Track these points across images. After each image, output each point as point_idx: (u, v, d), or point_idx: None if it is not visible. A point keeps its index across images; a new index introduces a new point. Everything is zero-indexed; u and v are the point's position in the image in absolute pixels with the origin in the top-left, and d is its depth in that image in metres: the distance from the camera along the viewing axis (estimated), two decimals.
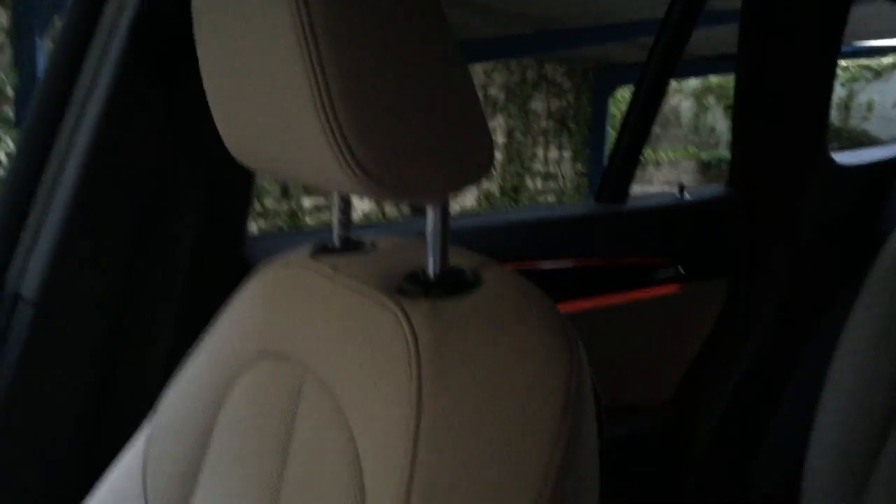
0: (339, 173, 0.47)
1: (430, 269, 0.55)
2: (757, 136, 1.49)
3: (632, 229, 1.40)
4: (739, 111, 1.52)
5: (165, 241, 0.97)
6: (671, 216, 1.44)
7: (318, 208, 5.56)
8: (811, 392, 1.26)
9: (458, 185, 0.50)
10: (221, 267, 1.01)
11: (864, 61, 7.73)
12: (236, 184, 1.01)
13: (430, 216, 0.54)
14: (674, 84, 8.46)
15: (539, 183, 7.51)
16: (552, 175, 7.61)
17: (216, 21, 0.53)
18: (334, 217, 0.66)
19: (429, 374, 0.49)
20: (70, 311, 0.90)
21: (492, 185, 7.07)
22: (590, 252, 1.32)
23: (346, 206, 0.67)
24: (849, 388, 1.17)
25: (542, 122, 7.39)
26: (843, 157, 1.55)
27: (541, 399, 0.47)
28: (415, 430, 0.47)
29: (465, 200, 6.69)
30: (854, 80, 7.87)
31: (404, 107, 0.47)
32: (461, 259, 0.57)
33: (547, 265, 1.27)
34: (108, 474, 0.69)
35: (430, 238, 0.54)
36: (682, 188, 1.46)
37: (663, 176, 8.31)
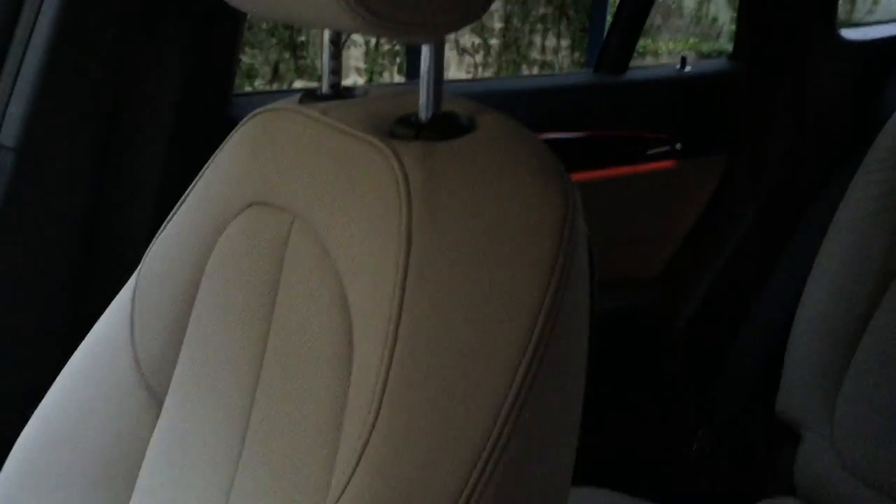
0: (336, 9, 0.45)
1: (423, 111, 0.53)
2: (764, 7, 1.44)
3: (630, 101, 1.37)
4: None
5: (149, 95, 0.94)
6: (671, 89, 1.41)
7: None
8: (799, 273, 1.27)
9: (455, 25, 0.49)
10: (207, 125, 0.98)
11: None
12: (222, 39, 0.98)
13: (425, 55, 0.52)
14: None
15: (536, 72, 7.36)
16: (549, 64, 7.46)
17: None
18: (324, 63, 0.64)
19: (419, 213, 0.48)
20: (52, 159, 0.88)
21: (488, 72, 6.93)
22: (586, 123, 1.30)
23: (337, 51, 0.64)
24: (837, 269, 1.18)
25: (541, 9, 7.19)
26: (851, 33, 1.50)
27: (533, 238, 0.46)
28: (403, 270, 0.47)
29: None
30: None
31: None
32: (455, 105, 0.56)
33: (544, 135, 1.25)
34: (95, 326, 0.69)
35: (423, 78, 0.53)
36: (683, 60, 1.42)
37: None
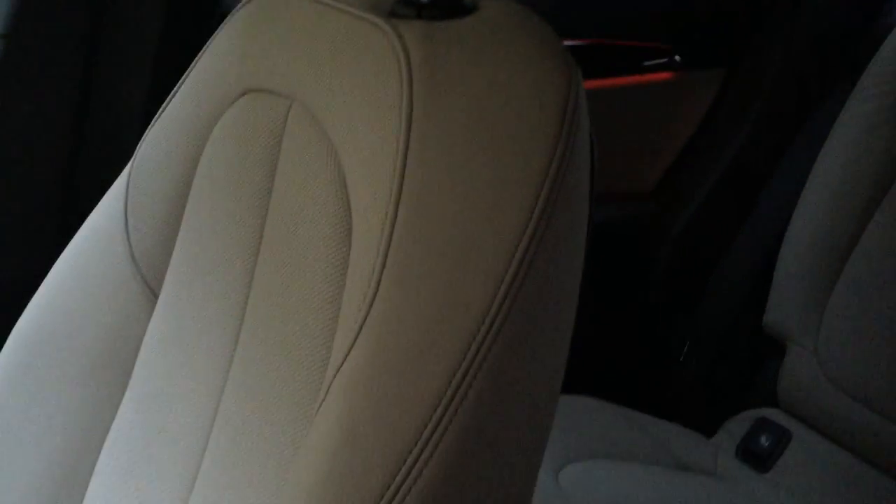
0: None
1: None
2: None
3: (628, 9, 1.34)
4: None
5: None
6: None
7: None
8: (792, 189, 1.27)
9: None
10: (197, 18, 0.95)
11: None
12: None
13: None
14: None
15: None
16: None
17: None
18: None
19: (420, 91, 0.47)
20: (42, 47, 0.85)
21: None
22: (584, 31, 1.28)
23: None
24: (830, 185, 1.18)
25: None
26: None
27: (536, 116, 0.45)
28: (404, 148, 0.46)
29: None
30: None
31: None
32: None
33: None
34: (89, 218, 0.68)
35: None
36: None
37: None
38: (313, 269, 0.50)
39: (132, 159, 0.66)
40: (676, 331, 1.42)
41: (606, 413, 1.20)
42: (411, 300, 0.43)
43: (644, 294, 1.44)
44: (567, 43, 1.23)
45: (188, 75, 0.64)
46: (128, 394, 0.63)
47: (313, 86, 0.53)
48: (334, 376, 0.44)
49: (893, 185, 1.14)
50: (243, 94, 0.59)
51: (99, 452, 0.64)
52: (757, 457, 1.16)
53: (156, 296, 0.64)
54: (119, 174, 0.67)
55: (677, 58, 1.35)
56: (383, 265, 0.44)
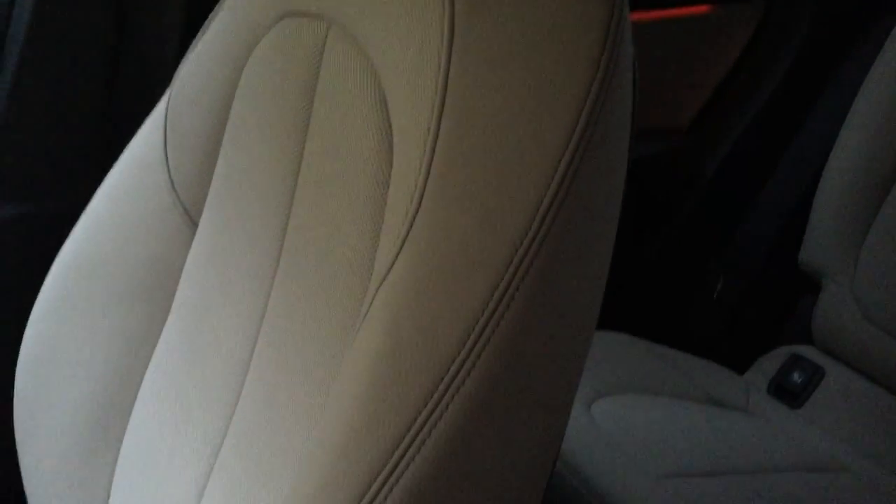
0: None
1: None
2: None
3: None
4: None
5: None
6: None
7: None
8: (830, 126, 1.24)
9: None
10: None
11: None
12: None
13: None
14: None
15: None
16: None
17: None
18: None
19: (462, 6, 0.46)
20: None
21: None
22: None
23: None
24: (870, 121, 1.15)
25: None
26: None
27: (579, 30, 0.44)
28: (446, 64, 0.45)
29: None
30: None
31: None
32: None
33: None
34: (128, 148, 0.68)
35: None
36: None
37: None
38: (355, 186, 0.50)
39: (170, 88, 0.66)
40: (710, 267, 1.41)
41: (639, 348, 1.20)
42: (454, 213, 0.43)
43: (678, 230, 1.43)
44: None
45: (224, 2, 0.64)
46: (171, 318, 0.65)
47: (352, 6, 0.53)
48: (378, 288, 0.44)
49: None
50: (280, 18, 0.58)
51: (143, 375, 0.65)
52: (789, 393, 1.17)
53: (195, 223, 0.64)
54: (157, 103, 0.67)
55: None
56: (426, 179, 0.44)
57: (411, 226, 0.44)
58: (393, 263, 0.44)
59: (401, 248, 0.44)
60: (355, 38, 0.52)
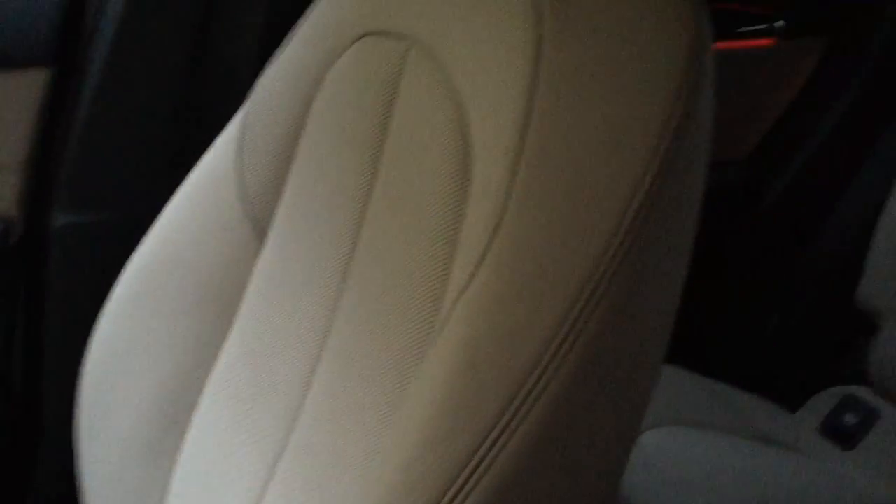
0: None
1: None
2: None
3: None
4: None
5: None
6: None
7: None
8: (892, 163, 1.22)
9: None
10: None
11: None
12: None
13: None
14: None
15: None
16: None
17: None
18: None
19: (550, 27, 0.46)
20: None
21: None
22: None
23: None
24: None
25: None
26: None
27: (663, 56, 0.45)
28: (531, 85, 0.45)
29: None
30: None
31: None
32: None
33: None
34: (203, 158, 0.69)
35: None
36: None
37: None
38: (431, 203, 0.51)
39: (247, 101, 0.67)
40: (766, 303, 1.39)
41: (690, 382, 1.19)
42: (535, 232, 0.43)
43: (736, 263, 1.41)
44: None
45: (302, 23, 0.65)
46: (235, 328, 0.66)
47: (434, 25, 0.53)
48: (455, 302, 0.44)
49: None
50: (360, 37, 0.59)
51: (205, 383, 0.66)
52: (842, 434, 1.14)
53: (265, 233, 0.65)
54: (234, 116, 0.69)
55: (780, 23, 1.31)
56: (507, 198, 0.44)
57: (491, 242, 0.44)
58: (472, 278, 0.44)
59: (480, 263, 0.44)
60: (437, 58, 0.52)
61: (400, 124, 0.55)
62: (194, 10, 0.90)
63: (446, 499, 0.41)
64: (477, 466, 0.41)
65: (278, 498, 0.57)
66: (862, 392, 1.17)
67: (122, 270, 0.70)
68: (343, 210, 0.58)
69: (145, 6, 0.86)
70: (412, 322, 0.50)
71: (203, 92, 0.94)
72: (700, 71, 0.45)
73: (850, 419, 1.14)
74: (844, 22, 1.37)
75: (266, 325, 0.62)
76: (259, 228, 0.66)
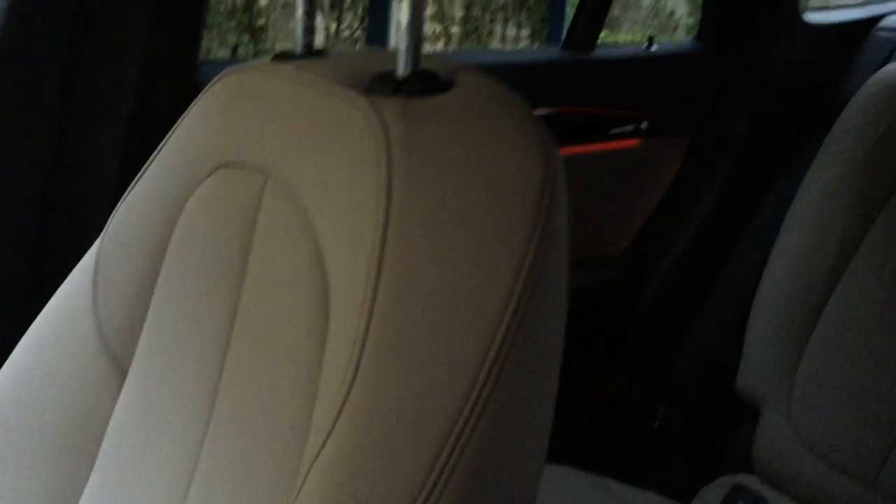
0: None
1: (401, 67, 0.51)
2: None
3: (597, 78, 1.37)
4: None
5: (112, 60, 0.90)
6: (638, 67, 1.41)
7: None
8: (761, 252, 1.28)
9: None
10: (171, 95, 0.94)
11: None
12: (188, 4, 0.95)
13: (405, 7, 0.50)
14: None
15: None
16: None
17: None
18: (298, 22, 0.62)
19: (400, 170, 0.46)
20: (13, 119, 0.84)
21: None
22: (554, 100, 1.30)
23: (312, 8, 0.63)
24: (798, 248, 1.19)
25: None
26: (816, 16, 1.53)
27: (515, 192, 0.45)
28: (383, 228, 0.45)
29: None
30: None
31: None
32: (433, 65, 0.54)
33: None
34: (57, 292, 0.66)
35: (402, 33, 0.51)
36: (650, 40, 1.43)
37: None
38: (290, 345, 0.49)
39: (103, 233, 0.65)
40: (651, 396, 1.41)
41: (582, 482, 1.18)
42: (393, 380, 0.42)
43: (618, 359, 1.44)
44: (537, 112, 1.27)
45: (162, 148, 0.64)
46: (94, 475, 0.61)
47: (290, 161, 0.52)
48: (314, 458, 0.42)
49: (857, 251, 1.16)
50: (218, 167, 0.58)
51: None
52: None
53: (124, 371, 0.62)
54: (88, 248, 0.66)
55: (644, 124, 1.37)
56: (363, 343, 0.43)
57: (349, 392, 0.42)
58: (331, 430, 0.42)
59: (339, 413, 0.42)
60: (293, 194, 0.52)
61: (259, 258, 0.54)
62: (47, 137, 0.88)
63: None
64: None
65: None
66: (749, 480, 1.19)
67: None
68: (204, 349, 0.55)
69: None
70: (275, 472, 0.47)
71: (58, 222, 0.90)
72: (553, 202, 0.45)
73: None
74: (703, 121, 1.45)
75: (126, 470, 0.58)
76: (118, 365, 0.62)
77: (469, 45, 6.95)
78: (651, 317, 1.42)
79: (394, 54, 0.52)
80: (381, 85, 0.52)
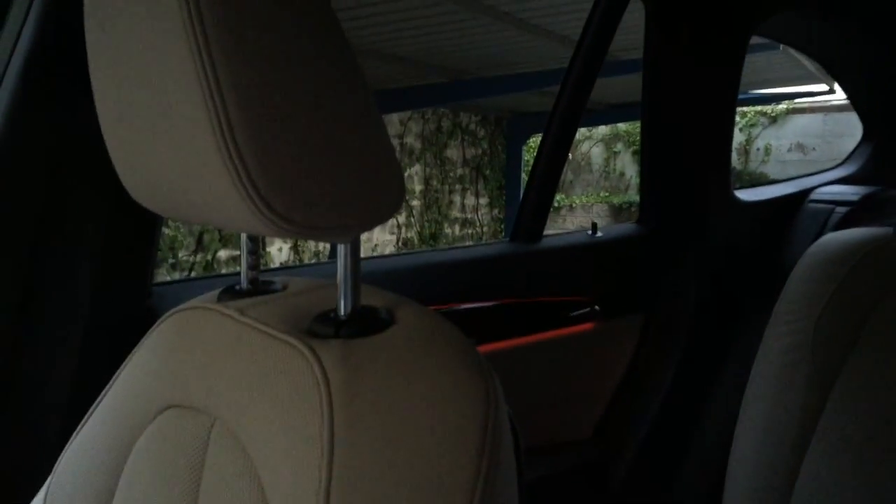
0: (246, 213, 0.46)
1: (342, 308, 0.54)
2: (664, 176, 1.54)
3: (546, 268, 1.42)
4: (647, 154, 1.57)
5: (63, 288, 0.90)
6: (584, 254, 1.47)
7: (234, 259, 5.47)
8: (726, 420, 1.30)
9: (368, 224, 0.50)
10: (124, 318, 0.95)
11: (760, 108, 8.10)
12: (140, 232, 0.96)
13: (341, 255, 0.53)
14: (584, 131, 8.68)
15: (457, 229, 7.58)
16: (470, 221, 7.70)
17: (110, 55, 0.51)
18: (243, 259, 0.65)
19: (341, 418, 0.48)
20: None
21: (410, 232, 7.09)
22: (506, 291, 1.33)
23: (255, 246, 0.65)
24: (761, 417, 1.21)
25: (458, 170, 7.49)
26: (745, 194, 1.62)
27: (457, 434, 0.47)
28: (327, 477, 0.46)
29: (385, 249, 6.68)
30: (752, 125, 8.22)
31: (311, 145, 0.46)
32: (374, 298, 0.57)
33: (464, 306, 1.28)
34: None
35: (340, 276, 0.54)
36: (594, 226, 1.50)
37: (577, 220, 8.51)
38: None
39: (49, 478, 0.64)
40: None
41: None
42: None
43: None
44: (493, 303, 1.31)
45: (109, 389, 0.64)
46: None
47: (235, 406, 0.54)
48: None
49: (822, 416, 1.17)
50: (165, 408, 0.59)
51: None
52: None
53: None
54: (37, 491, 0.65)
55: (597, 308, 1.42)
56: None
57: None
58: None
59: None
60: (238, 439, 0.53)
61: (207, 492, 0.54)
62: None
63: None
64: None
65: None
66: None
67: None
68: None
69: None
70: None
71: (2, 464, 0.89)
72: (496, 425, 0.47)
73: None
74: (655, 296, 1.50)
75: None
76: None
77: (430, 217, 7.16)
78: (626, 494, 1.41)
79: (335, 287, 0.54)
80: (322, 327, 0.53)
